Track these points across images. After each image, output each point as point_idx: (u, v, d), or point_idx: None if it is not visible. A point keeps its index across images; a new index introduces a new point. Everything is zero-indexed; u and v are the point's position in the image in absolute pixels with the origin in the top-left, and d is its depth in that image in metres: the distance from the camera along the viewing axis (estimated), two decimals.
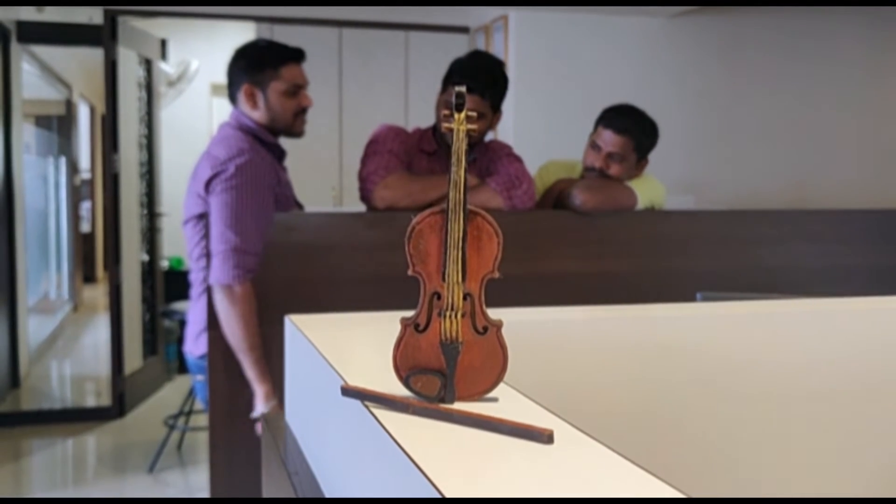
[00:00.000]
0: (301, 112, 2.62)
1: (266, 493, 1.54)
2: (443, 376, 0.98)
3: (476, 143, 2.78)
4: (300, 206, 2.72)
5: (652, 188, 2.93)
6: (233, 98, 2.61)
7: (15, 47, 5.52)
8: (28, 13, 5.51)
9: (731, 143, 4.80)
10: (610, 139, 2.82)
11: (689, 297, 2.24)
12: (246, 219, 2.42)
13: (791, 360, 1.58)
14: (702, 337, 1.56)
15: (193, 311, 2.65)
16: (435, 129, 2.82)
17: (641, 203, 2.85)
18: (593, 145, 2.87)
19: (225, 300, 2.42)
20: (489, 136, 3.11)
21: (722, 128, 4.79)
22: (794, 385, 1.57)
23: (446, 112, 0.95)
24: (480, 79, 2.66)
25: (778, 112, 4.86)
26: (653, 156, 2.99)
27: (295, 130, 2.64)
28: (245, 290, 2.41)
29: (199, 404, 4.44)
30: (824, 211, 3.47)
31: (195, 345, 2.63)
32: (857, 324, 1.66)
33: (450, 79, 2.73)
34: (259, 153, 2.51)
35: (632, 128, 2.83)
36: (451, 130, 0.95)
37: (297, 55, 2.61)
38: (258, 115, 2.57)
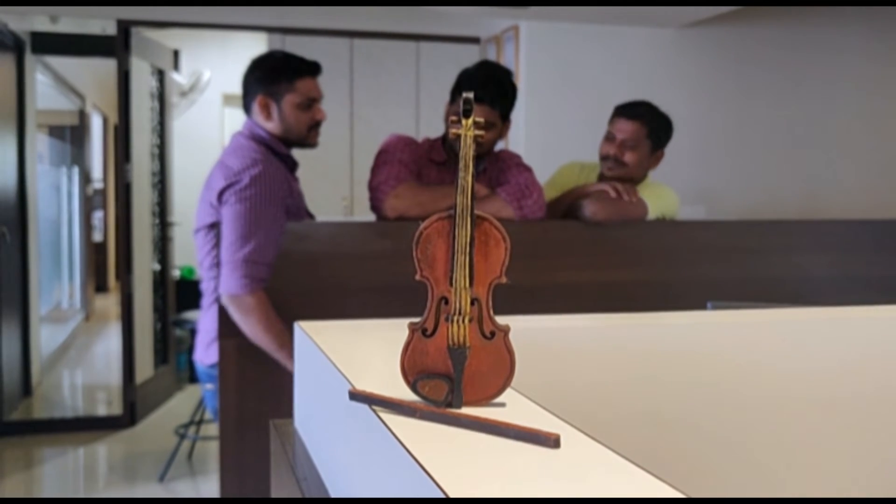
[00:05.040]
0: (315, 125, 2.64)
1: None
2: (450, 381, 0.99)
3: (486, 153, 2.79)
4: (311, 216, 2.73)
5: (663, 198, 2.93)
6: (247, 108, 2.63)
7: (29, 58, 5.56)
8: (42, 24, 5.56)
9: (741, 153, 4.80)
10: (623, 126, 2.88)
11: (699, 307, 2.23)
12: (258, 230, 2.43)
13: (801, 368, 1.58)
14: (711, 344, 1.56)
15: (204, 319, 2.66)
16: (444, 139, 2.83)
17: (652, 214, 2.86)
18: (608, 136, 2.92)
19: (237, 311, 2.43)
20: (499, 146, 3.12)
21: (732, 138, 4.79)
22: (804, 393, 1.57)
23: (454, 118, 0.96)
24: (489, 89, 2.66)
25: (788, 122, 4.85)
26: (664, 166, 3.00)
27: (308, 143, 2.65)
28: (256, 298, 2.42)
29: (209, 414, 4.46)
30: (835, 221, 3.46)
31: (205, 353, 2.64)
32: (868, 332, 1.65)
33: (458, 89, 2.74)
34: (272, 164, 2.52)
35: (644, 114, 2.89)
36: (459, 136, 0.96)
37: (312, 69, 2.62)
38: (272, 126, 2.58)
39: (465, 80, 2.73)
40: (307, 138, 2.64)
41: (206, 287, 2.63)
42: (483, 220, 0.97)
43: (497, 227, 0.98)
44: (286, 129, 2.58)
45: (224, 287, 2.43)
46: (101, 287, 9.27)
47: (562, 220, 2.85)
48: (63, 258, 7.86)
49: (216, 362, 2.57)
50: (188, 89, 7.32)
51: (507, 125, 2.77)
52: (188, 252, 5.34)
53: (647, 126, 2.88)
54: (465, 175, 0.95)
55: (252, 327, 2.42)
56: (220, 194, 2.46)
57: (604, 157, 2.93)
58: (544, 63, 4.51)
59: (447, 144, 2.80)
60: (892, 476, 1.62)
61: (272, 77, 2.58)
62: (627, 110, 2.92)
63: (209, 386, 2.70)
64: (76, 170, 8.05)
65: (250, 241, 2.41)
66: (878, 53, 4.97)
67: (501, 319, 1.01)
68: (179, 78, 6.95)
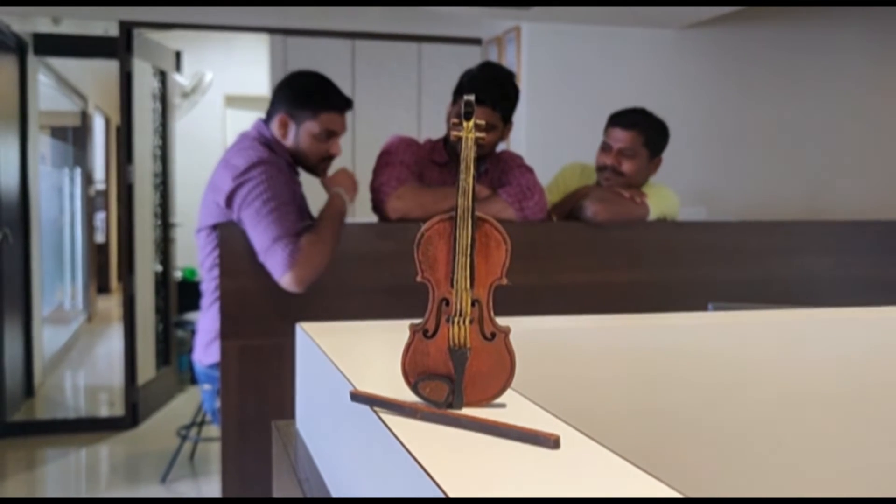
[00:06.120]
0: (328, 158, 2.63)
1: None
2: (451, 382, 0.99)
3: (488, 154, 2.79)
4: (312, 218, 2.73)
5: (664, 199, 2.93)
6: (269, 116, 2.62)
7: (31, 59, 5.57)
8: (45, 26, 5.57)
9: (743, 154, 4.80)
10: (619, 135, 2.84)
11: (700, 308, 2.23)
12: (277, 214, 2.42)
13: (801, 368, 1.58)
14: (712, 345, 1.56)
15: (203, 320, 2.66)
16: (446, 140, 2.83)
17: (653, 214, 2.85)
18: (604, 146, 2.89)
19: (303, 271, 2.41)
20: (500, 147, 3.12)
21: (733, 139, 4.79)
22: (804, 393, 1.57)
23: (455, 120, 0.96)
24: (491, 90, 2.66)
25: (789, 123, 4.86)
26: (664, 167, 3.00)
27: (316, 172, 2.65)
28: (301, 252, 2.40)
29: (207, 414, 4.46)
30: (836, 222, 3.46)
31: (205, 354, 2.64)
32: (868, 333, 1.66)
33: (460, 91, 2.74)
34: (276, 164, 2.52)
35: (640, 122, 2.86)
36: (460, 139, 0.96)
37: (340, 104, 2.61)
38: (286, 144, 2.58)
39: (467, 81, 2.73)
40: (316, 168, 2.64)
41: (207, 287, 2.63)
42: (484, 221, 0.98)
43: (498, 228, 0.98)
44: (297, 152, 2.58)
45: (278, 276, 2.41)
46: (104, 288, 9.28)
47: (563, 221, 2.85)
48: (65, 259, 7.87)
49: (215, 362, 2.57)
50: (190, 90, 7.33)
51: (508, 127, 2.78)
52: (190, 253, 5.34)
53: (643, 134, 2.85)
54: (466, 177, 0.96)
55: (323, 256, 2.44)
56: (231, 197, 2.46)
57: (601, 168, 2.89)
58: (546, 64, 4.51)
59: (449, 145, 2.80)
60: (892, 476, 1.62)
61: (298, 100, 2.57)
62: (622, 119, 2.87)
63: (207, 386, 2.70)
64: (78, 171, 8.06)
65: (275, 224, 2.40)
66: (877, 53, 4.98)
67: (502, 320, 1.01)
68: (181, 79, 6.96)
